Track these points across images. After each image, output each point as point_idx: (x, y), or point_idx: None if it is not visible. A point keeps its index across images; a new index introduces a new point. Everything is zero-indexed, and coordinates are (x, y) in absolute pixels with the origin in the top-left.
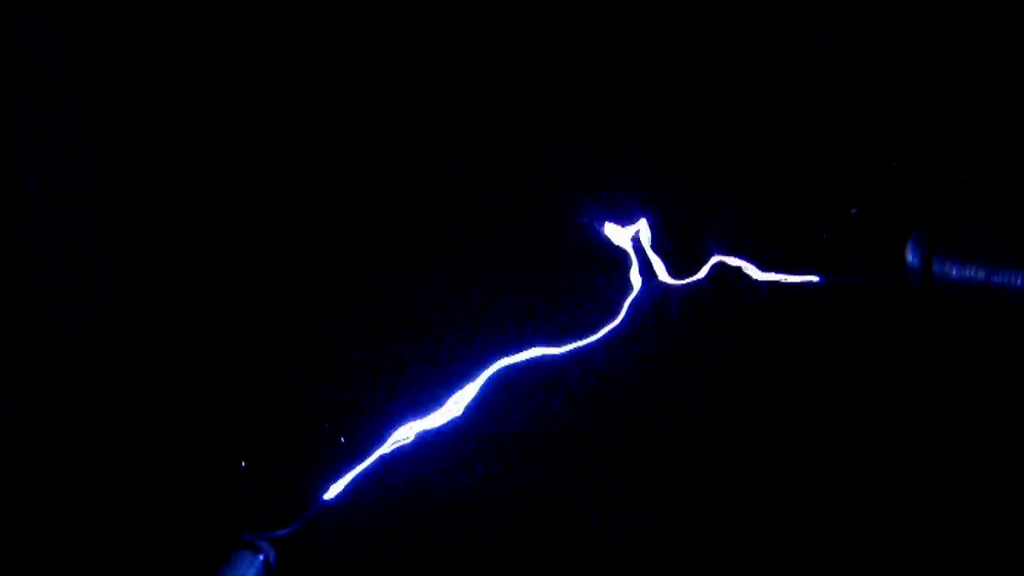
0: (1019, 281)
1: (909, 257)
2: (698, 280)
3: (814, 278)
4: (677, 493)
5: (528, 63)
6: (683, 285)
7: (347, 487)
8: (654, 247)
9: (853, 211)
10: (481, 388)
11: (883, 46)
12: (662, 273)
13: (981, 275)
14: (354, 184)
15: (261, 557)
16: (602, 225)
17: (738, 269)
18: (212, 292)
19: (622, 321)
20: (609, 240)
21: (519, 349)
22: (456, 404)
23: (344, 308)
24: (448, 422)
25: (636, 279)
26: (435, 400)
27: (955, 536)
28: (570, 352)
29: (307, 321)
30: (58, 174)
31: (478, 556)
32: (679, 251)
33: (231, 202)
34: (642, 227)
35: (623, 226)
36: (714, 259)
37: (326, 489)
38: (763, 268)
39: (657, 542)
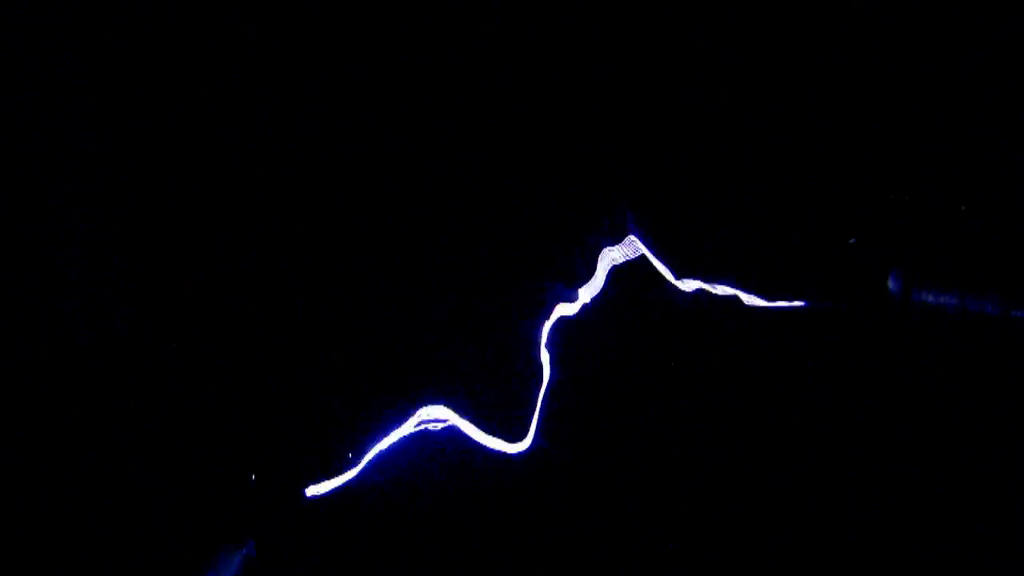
0: (988, 307)
1: (891, 285)
2: (700, 299)
3: (802, 303)
4: (673, 500)
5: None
6: (681, 304)
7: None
8: (651, 265)
9: (852, 240)
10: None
11: (879, 85)
12: (660, 290)
13: (955, 301)
14: (366, 186)
15: (244, 551)
16: (597, 247)
17: (736, 292)
18: (222, 293)
19: (618, 343)
20: (606, 264)
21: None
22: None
23: (351, 310)
24: (442, 425)
25: (634, 294)
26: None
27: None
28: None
29: (311, 324)
30: (69, 175)
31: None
32: (680, 270)
33: (243, 203)
34: (637, 250)
35: (619, 249)
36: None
37: (308, 484)
38: (759, 292)
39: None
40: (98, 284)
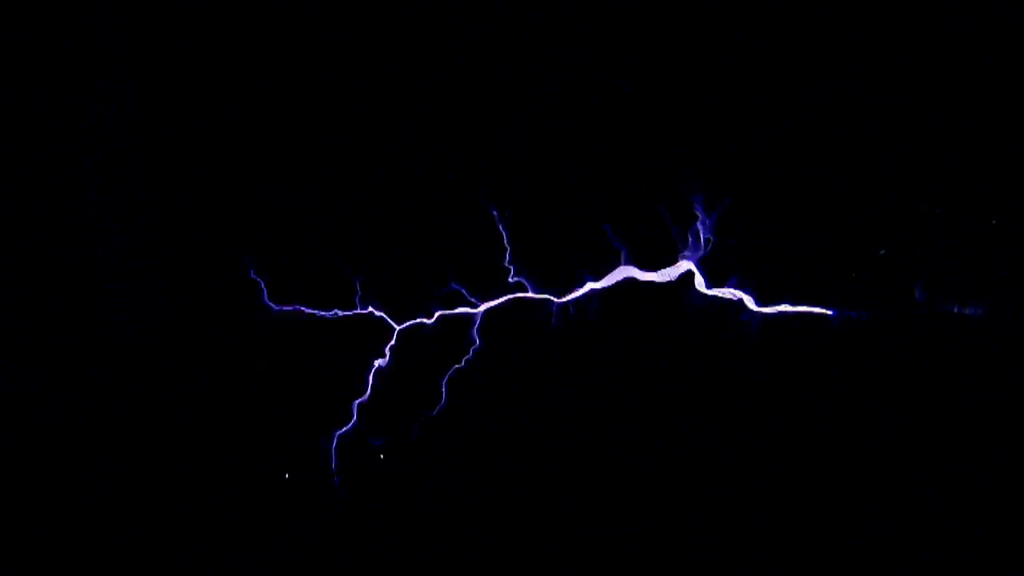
0: (1010, 314)
1: (918, 295)
2: (738, 305)
3: (829, 311)
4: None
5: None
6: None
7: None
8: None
9: (882, 252)
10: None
11: (912, 99)
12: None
13: (980, 311)
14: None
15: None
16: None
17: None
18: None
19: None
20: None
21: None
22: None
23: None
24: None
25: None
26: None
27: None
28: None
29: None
30: (108, 184)
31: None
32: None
33: (282, 207)
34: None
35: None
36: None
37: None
38: (800, 301)
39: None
40: (133, 285)
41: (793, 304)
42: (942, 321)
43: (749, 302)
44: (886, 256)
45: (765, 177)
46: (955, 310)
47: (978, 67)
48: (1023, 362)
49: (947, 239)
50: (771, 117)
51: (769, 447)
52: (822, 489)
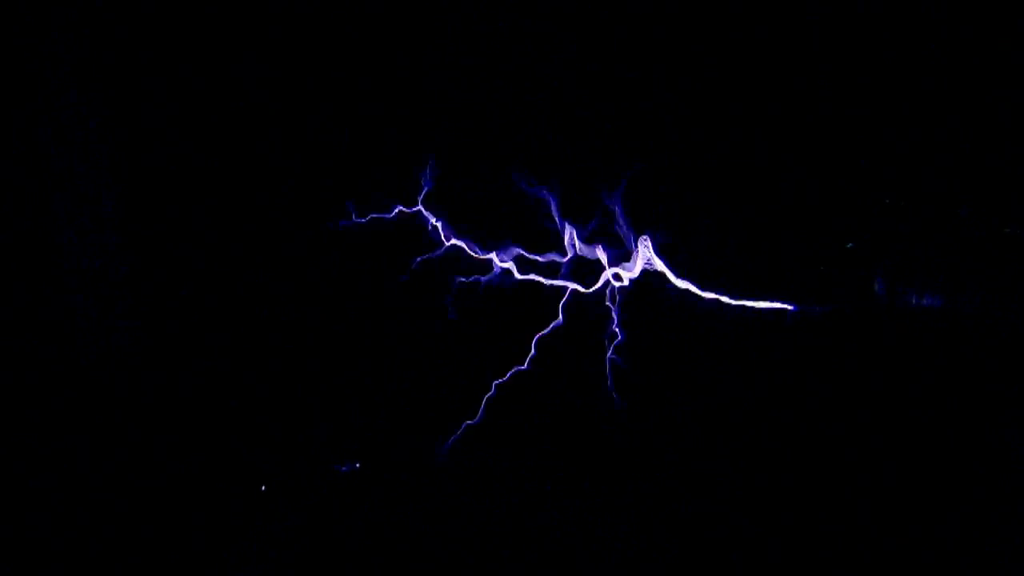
0: (972, 305)
1: (877, 287)
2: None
3: (790, 306)
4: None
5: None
6: (684, 302)
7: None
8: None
9: (849, 245)
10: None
11: (875, 93)
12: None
13: (937, 302)
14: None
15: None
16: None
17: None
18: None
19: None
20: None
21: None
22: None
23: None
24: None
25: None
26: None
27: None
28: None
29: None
30: (77, 180)
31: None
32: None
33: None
34: (641, 259)
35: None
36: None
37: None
38: (749, 295)
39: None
40: (105, 300)
41: (755, 299)
42: (902, 313)
43: (670, 275)
44: (850, 250)
45: (726, 172)
46: (914, 301)
47: (933, 67)
48: (984, 352)
49: (908, 233)
50: (737, 115)
51: (735, 438)
52: (791, 481)
